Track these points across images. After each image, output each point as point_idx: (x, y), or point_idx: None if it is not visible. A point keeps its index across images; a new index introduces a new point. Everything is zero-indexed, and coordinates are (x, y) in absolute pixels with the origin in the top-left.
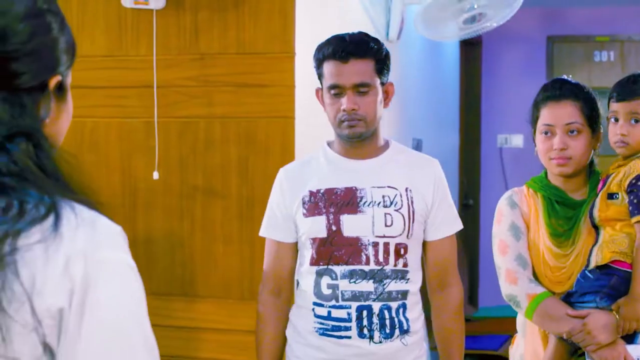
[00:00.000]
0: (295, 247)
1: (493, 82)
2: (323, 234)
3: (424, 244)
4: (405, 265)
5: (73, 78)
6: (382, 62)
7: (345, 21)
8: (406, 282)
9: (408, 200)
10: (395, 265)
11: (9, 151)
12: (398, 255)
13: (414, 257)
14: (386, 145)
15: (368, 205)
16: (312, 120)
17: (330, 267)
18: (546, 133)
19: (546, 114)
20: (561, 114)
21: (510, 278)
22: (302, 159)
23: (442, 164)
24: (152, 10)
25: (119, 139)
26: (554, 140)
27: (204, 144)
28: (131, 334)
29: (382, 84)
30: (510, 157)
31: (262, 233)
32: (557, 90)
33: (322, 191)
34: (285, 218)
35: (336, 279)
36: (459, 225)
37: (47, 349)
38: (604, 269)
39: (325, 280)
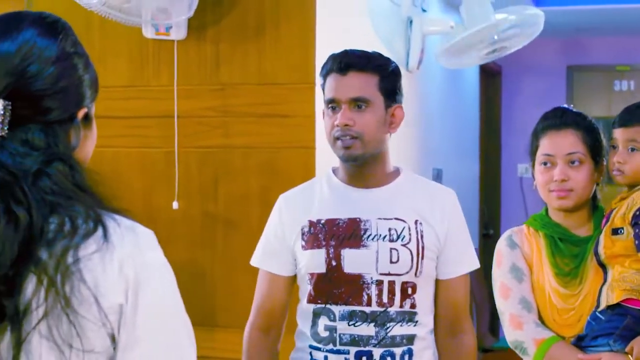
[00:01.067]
0: (290, 281)
1: (513, 111)
2: (322, 269)
3: (436, 282)
4: (413, 306)
5: (94, 108)
6: (388, 80)
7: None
8: (414, 325)
9: (417, 234)
10: (401, 306)
11: (49, 174)
12: (405, 295)
13: (424, 297)
14: (396, 173)
15: (372, 239)
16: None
17: (328, 306)
18: (545, 164)
19: (546, 144)
20: (562, 143)
21: (515, 323)
22: (303, 185)
23: (462, 193)
24: (174, 40)
25: (139, 169)
26: (554, 171)
27: (225, 174)
28: (174, 319)
29: (388, 105)
30: (531, 187)
31: (254, 262)
32: (558, 118)
33: (322, 222)
34: (283, 249)
35: (334, 320)
36: (475, 264)
37: (113, 340)
38: (616, 308)
39: (323, 321)
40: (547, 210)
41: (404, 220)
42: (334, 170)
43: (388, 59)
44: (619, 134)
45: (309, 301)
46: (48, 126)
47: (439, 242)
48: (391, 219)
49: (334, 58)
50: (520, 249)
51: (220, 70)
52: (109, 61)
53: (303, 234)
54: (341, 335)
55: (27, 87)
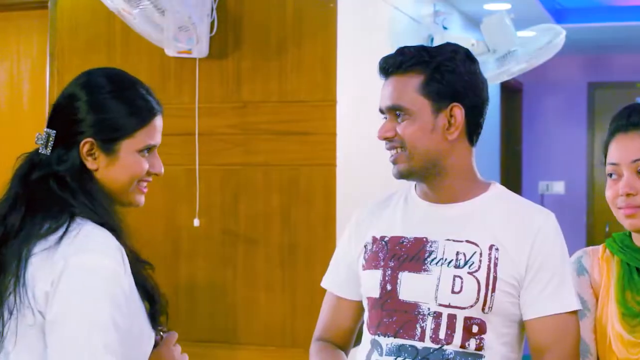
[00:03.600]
0: (357, 307)
1: (534, 128)
2: (376, 293)
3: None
4: (479, 348)
5: None
6: (436, 79)
7: None
8: None
9: (490, 261)
10: (463, 346)
11: (50, 185)
12: (468, 333)
13: (495, 339)
14: (484, 187)
15: (437, 263)
16: (354, 168)
17: (377, 337)
18: (611, 175)
19: (612, 151)
20: (628, 148)
21: None
22: (382, 197)
23: None
24: (195, 59)
25: (161, 186)
26: (620, 183)
27: (246, 191)
28: (79, 314)
29: (440, 107)
30: (552, 204)
31: (322, 283)
32: (625, 119)
33: (386, 239)
34: (349, 269)
35: (381, 354)
36: (572, 304)
37: (43, 318)
38: None
39: (375, 356)
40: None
41: (476, 244)
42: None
43: (444, 51)
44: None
45: (367, 330)
46: (66, 149)
47: (519, 274)
48: (462, 241)
49: (382, 60)
50: (589, 275)
51: (242, 88)
52: None
53: (365, 251)
54: None
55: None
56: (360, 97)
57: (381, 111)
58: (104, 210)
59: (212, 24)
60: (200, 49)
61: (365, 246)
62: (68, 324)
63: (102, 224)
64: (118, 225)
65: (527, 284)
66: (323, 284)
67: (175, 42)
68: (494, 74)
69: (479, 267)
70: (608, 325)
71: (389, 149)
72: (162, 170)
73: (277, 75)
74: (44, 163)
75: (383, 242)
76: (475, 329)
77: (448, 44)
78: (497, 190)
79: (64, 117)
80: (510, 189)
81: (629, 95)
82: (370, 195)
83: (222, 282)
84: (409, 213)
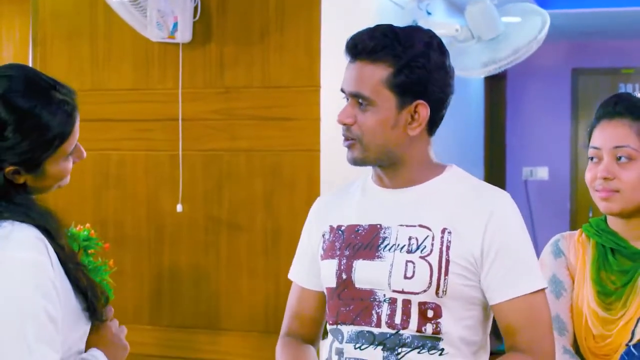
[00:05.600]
0: (323, 297)
1: (518, 114)
2: (332, 282)
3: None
4: (436, 332)
5: (99, 111)
6: (405, 73)
7: None
8: (439, 355)
9: (442, 244)
10: (419, 330)
11: None
12: (424, 318)
13: (454, 322)
14: (439, 171)
15: (390, 249)
16: (338, 154)
17: (338, 326)
18: (592, 159)
19: (596, 136)
20: (610, 134)
21: None
22: (343, 185)
23: None
24: (179, 44)
25: (144, 172)
26: (599, 167)
27: (229, 177)
28: (9, 310)
29: (404, 103)
30: (536, 190)
31: (289, 275)
32: (611, 106)
33: (343, 228)
34: (312, 259)
35: (342, 342)
36: (536, 283)
37: None
38: None
39: (335, 344)
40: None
41: (428, 228)
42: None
43: (417, 43)
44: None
45: (329, 321)
46: None
47: (473, 257)
48: (414, 225)
49: (349, 40)
50: (565, 257)
51: (225, 73)
52: (114, 64)
53: (323, 241)
54: (347, 359)
55: None
56: None
57: (342, 91)
58: (38, 214)
59: (195, 9)
60: (184, 34)
61: (323, 235)
62: None
63: (36, 227)
64: (53, 226)
65: (487, 268)
66: (289, 276)
67: (158, 30)
68: (480, 63)
69: (431, 251)
70: (584, 304)
71: (345, 135)
72: (85, 155)
73: (261, 60)
74: None
75: (340, 232)
76: (430, 313)
77: (422, 32)
78: (452, 172)
79: None
80: (494, 175)
81: (612, 81)
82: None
83: (205, 268)
84: (365, 201)
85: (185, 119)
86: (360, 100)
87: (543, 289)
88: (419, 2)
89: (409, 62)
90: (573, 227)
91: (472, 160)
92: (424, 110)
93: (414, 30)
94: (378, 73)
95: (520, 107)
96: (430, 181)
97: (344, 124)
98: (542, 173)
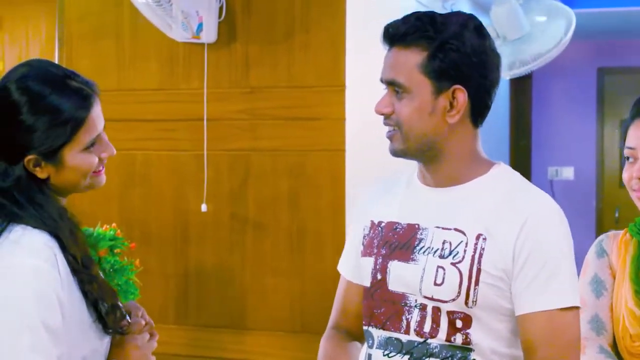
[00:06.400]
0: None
1: (543, 114)
2: (368, 282)
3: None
4: (466, 342)
5: (125, 111)
6: (440, 57)
7: None
8: None
9: (475, 252)
10: (449, 340)
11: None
12: (453, 328)
13: (485, 334)
14: (485, 169)
15: (424, 252)
16: (363, 153)
17: (369, 328)
18: (628, 158)
19: (631, 135)
20: None
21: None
22: (393, 177)
23: None
24: (204, 44)
25: (169, 171)
26: (636, 166)
27: (254, 177)
28: (4, 318)
29: (442, 88)
30: (561, 190)
31: (338, 266)
32: None
33: (383, 224)
34: (356, 251)
35: (372, 346)
36: (566, 300)
37: None
38: None
39: (367, 348)
40: None
41: (463, 232)
42: None
43: (451, 25)
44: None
45: (363, 321)
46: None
47: (506, 266)
48: (450, 229)
49: (385, 27)
50: (608, 257)
51: (250, 73)
52: (140, 64)
53: (364, 236)
54: None
55: None
56: (369, 82)
57: (382, 81)
58: (53, 220)
59: (220, 9)
60: (209, 35)
61: (364, 230)
62: None
63: (50, 233)
64: (67, 234)
65: (516, 275)
66: (338, 267)
67: (183, 31)
68: (506, 65)
69: (463, 257)
70: (622, 304)
71: (386, 124)
72: (114, 152)
73: (286, 60)
74: None
75: (379, 228)
76: (459, 323)
77: (458, 15)
78: (498, 171)
79: (12, 125)
80: None
81: (638, 80)
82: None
83: (230, 267)
84: (407, 197)
85: (210, 119)
86: (396, 88)
87: (574, 308)
88: (444, 1)
89: (442, 45)
90: (599, 228)
91: (498, 160)
92: (461, 96)
93: (451, 14)
94: (412, 58)
95: (546, 106)
96: (473, 181)
97: (382, 114)
98: (568, 173)
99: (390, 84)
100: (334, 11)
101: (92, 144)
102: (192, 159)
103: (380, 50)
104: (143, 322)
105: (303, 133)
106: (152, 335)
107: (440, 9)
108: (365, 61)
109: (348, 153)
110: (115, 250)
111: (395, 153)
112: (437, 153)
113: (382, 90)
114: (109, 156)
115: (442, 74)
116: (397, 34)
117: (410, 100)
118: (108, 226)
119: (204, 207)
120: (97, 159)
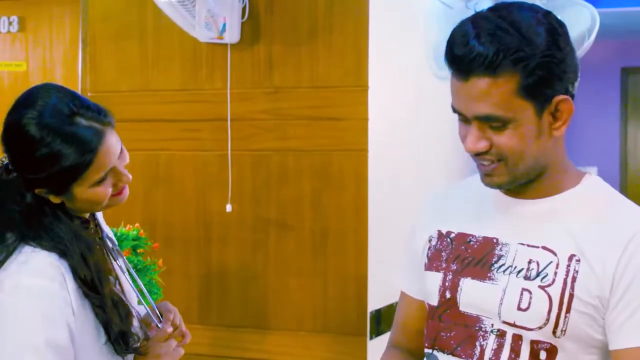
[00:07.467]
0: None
1: None
2: (434, 300)
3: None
4: None
5: (148, 111)
6: (537, 74)
7: (418, 54)
8: None
9: (567, 275)
10: None
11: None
12: (535, 359)
13: None
14: (576, 180)
15: (504, 271)
16: (386, 154)
17: (435, 352)
18: None
19: None
20: None
21: None
22: (462, 181)
23: None
24: (227, 44)
25: (193, 171)
26: None
27: (278, 177)
28: (11, 339)
29: (544, 105)
30: None
31: (395, 280)
32: None
33: (452, 235)
34: (416, 263)
35: None
36: None
37: None
38: None
39: None
40: None
41: (553, 252)
42: None
43: (537, 35)
44: None
45: (425, 342)
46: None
47: (602, 293)
48: (537, 247)
49: (451, 50)
50: None
51: (274, 73)
52: (163, 65)
53: (429, 247)
54: None
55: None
56: (393, 82)
57: (458, 113)
58: (63, 245)
59: (243, 9)
60: (232, 35)
61: (429, 240)
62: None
63: (59, 254)
64: (78, 257)
65: (613, 305)
66: (396, 281)
67: (207, 31)
68: None
69: (554, 280)
70: None
71: (481, 160)
72: (130, 179)
73: (309, 60)
74: (7, 186)
75: (448, 239)
76: (543, 355)
77: (531, 14)
78: (590, 183)
79: (18, 161)
80: None
81: None
82: (402, 182)
83: (254, 267)
84: (482, 206)
85: (234, 119)
86: (491, 124)
87: None
88: (467, 1)
89: (540, 62)
90: None
91: None
92: (566, 105)
93: (523, 15)
94: (507, 85)
95: None
96: (564, 193)
97: (480, 155)
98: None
99: (485, 120)
100: (357, 12)
101: (104, 179)
102: (215, 159)
103: (403, 49)
104: (170, 330)
105: (326, 133)
106: (183, 336)
107: (463, 9)
108: (388, 61)
109: (371, 153)
110: (139, 250)
111: (499, 186)
112: (542, 170)
113: (404, 90)
114: (126, 184)
115: (541, 91)
116: (478, 62)
117: (514, 130)
118: (131, 226)
119: (228, 207)
120: (110, 189)
